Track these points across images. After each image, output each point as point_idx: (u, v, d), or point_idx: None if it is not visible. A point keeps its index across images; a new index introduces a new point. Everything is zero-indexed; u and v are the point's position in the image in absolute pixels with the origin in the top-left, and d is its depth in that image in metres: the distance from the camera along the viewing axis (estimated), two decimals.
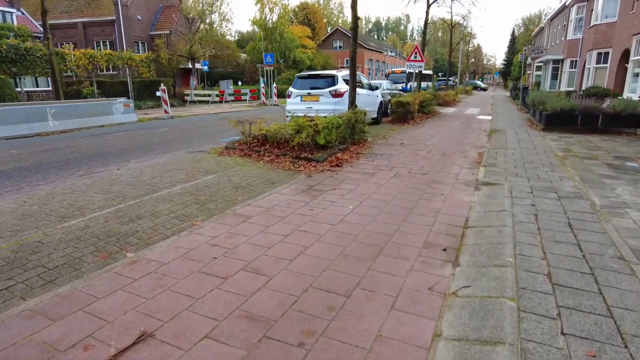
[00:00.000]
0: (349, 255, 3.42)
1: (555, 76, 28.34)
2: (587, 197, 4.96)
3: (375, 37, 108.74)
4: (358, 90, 11.03)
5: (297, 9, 57.68)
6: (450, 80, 44.54)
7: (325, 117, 7.77)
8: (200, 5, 37.07)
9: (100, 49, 29.97)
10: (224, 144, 8.41)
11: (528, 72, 43.52)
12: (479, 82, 66.95)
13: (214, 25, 52.56)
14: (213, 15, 55.71)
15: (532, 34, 49.01)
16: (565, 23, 26.13)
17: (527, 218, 4.19)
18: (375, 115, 12.73)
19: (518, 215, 4.27)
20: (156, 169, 6.53)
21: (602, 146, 8.78)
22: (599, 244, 3.52)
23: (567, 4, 25.10)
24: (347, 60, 60.43)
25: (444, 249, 3.57)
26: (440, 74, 64.99)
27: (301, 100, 10.21)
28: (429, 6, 17.21)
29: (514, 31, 78.09)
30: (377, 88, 12.62)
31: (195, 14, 33.44)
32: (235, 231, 3.97)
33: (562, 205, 4.61)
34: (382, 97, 15.17)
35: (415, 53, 16.30)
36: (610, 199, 4.86)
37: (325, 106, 9.90)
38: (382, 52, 68.89)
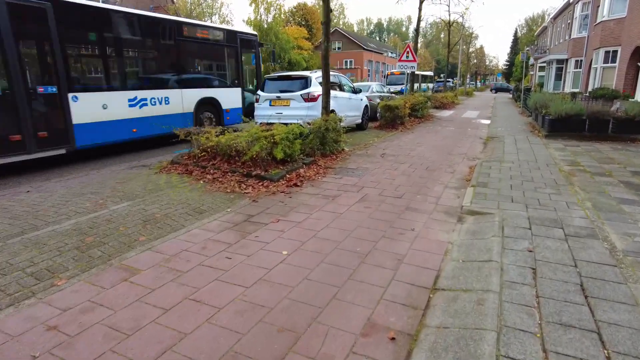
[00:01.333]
0: (241, 354, 2.21)
1: (559, 77, 27.01)
2: (603, 235, 3.73)
3: (377, 38, 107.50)
4: (338, 93, 9.86)
5: (294, 10, 56.59)
6: (449, 81, 43.33)
7: (286, 125, 6.58)
8: (191, 5, 36.13)
9: None
10: (175, 157, 7.22)
11: (531, 72, 42.19)
12: (506, 84, 58.99)
13: None
14: (213, 17, 54.93)
15: (535, 34, 47.69)
16: (569, 21, 24.82)
17: (522, 276, 2.96)
18: (360, 120, 11.52)
19: (509, 271, 3.04)
20: (70, 192, 5.34)
21: (615, 158, 7.52)
22: (630, 331, 2.29)
23: (571, 1, 23.82)
24: (346, 62, 59.42)
25: (392, 338, 2.35)
26: (442, 75, 63.70)
27: (270, 105, 9.02)
28: (421, 2, 16.01)
29: (516, 32, 76.71)
30: (360, 91, 11.40)
31: (183, 14, 32.38)
32: (100, 299, 2.76)
33: (570, 251, 3.38)
34: (372, 100, 14.00)
35: (408, 52, 15.09)
36: (635, 240, 3.62)
37: (296, 112, 8.70)
38: (382, 54, 67.73)
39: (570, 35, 24.01)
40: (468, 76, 64.80)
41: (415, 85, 39.84)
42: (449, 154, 8.32)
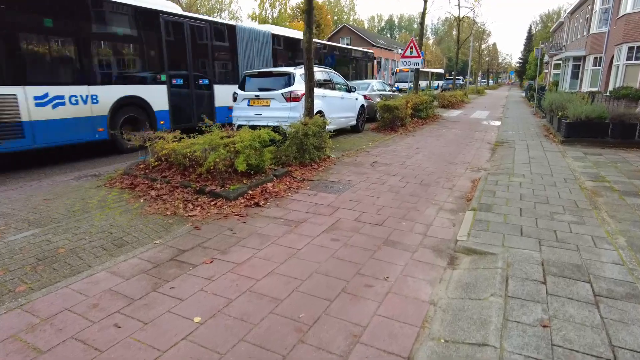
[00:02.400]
0: None
1: (575, 75, 25.51)
2: None
3: (388, 35, 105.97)
4: (327, 92, 8.83)
5: (302, 5, 55.47)
6: (459, 79, 41.88)
7: (256, 128, 5.58)
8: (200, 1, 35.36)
9: None
10: (128, 166, 6.28)
11: (545, 70, 40.54)
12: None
13: None
14: (223, 14, 54.17)
15: (550, 30, 45.88)
16: (588, 16, 23.34)
17: None
18: (354, 122, 10.47)
19: None
20: None
21: None
22: None
23: None
24: None
25: None
26: (452, 73, 62.15)
27: (248, 105, 8.02)
28: None
29: (530, 28, 74.43)
30: (354, 89, 10.33)
31: (193, 10, 31.77)
32: None
33: (604, 328, 2.33)
34: (371, 99, 12.94)
35: (411, 48, 13.95)
36: None
37: (277, 113, 7.69)
38: (391, 50, 66.21)
39: (588, 30, 22.55)
40: (480, 74, 63.08)
41: (425, 83, 38.43)
42: (450, 163, 7.24)
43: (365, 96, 12.60)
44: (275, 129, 6.52)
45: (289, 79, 7.85)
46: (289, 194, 5.20)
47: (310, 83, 6.98)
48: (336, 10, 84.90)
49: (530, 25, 75.65)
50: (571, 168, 6.58)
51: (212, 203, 4.65)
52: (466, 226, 4.01)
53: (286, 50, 13.02)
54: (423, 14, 15.55)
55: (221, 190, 4.84)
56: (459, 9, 22.97)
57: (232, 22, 10.66)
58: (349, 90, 10.04)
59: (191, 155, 5.21)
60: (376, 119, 12.75)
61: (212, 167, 5.00)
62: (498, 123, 13.97)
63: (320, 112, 8.22)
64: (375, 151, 8.26)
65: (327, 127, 8.51)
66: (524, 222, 4.09)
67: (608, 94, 15.60)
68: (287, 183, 5.58)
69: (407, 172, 6.47)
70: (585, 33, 23.72)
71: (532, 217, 4.24)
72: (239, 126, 8.01)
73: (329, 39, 56.68)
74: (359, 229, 4.02)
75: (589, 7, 22.83)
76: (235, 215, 4.38)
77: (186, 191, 4.94)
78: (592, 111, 8.82)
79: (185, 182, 5.11)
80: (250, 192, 5.01)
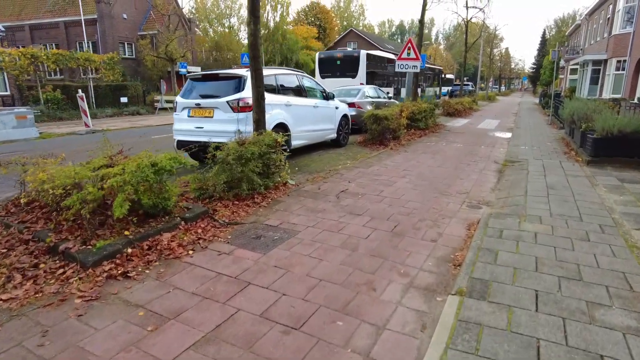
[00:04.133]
0: None
1: (595, 80, 23.45)
2: None
3: (399, 40, 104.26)
4: (292, 99, 7.21)
5: (307, 9, 54.11)
6: (468, 84, 39.89)
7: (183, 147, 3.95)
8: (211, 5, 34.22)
9: (82, 50, 27.71)
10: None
11: (561, 76, 38.29)
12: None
13: (234, 28, 50.09)
14: (232, 19, 53.23)
15: (566, 33, 43.61)
16: (609, 16, 21.36)
17: None
18: (334, 135, 8.79)
19: None
20: None
21: None
22: None
23: None
24: None
25: None
26: (465, 79, 60.13)
27: (188, 116, 6.40)
28: None
29: (544, 32, 71.79)
30: (333, 97, 8.63)
31: (202, 15, 30.68)
32: None
33: None
34: (361, 107, 11.27)
35: (409, 49, 12.27)
36: None
37: (222, 126, 6.05)
38: None
39: (610, 32, 20.58)
40: (491, 79, 60.88)
41: (433, 90, 36.59)
42: (443, 193, 5.53)
43: (353, 104, 10.97)
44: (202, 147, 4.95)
45: (239, 83, 6.19)
46: (192, 250, 3.55)
47: (259, 89, 5.35)
48: (345, 15, 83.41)
49: (544, 30, 72.90)
50: (606, 205, 4.81)
51: (59, 272, 3.03)
52: (441, 340, 2.31)
53: (431, 74, 25.77)
54: (423, 11, 13.83)
55: (79, 249, 3.22)
56: (467, 9, 21.17)
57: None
58: (327, 97, 8.37)
59: (53, 192, 3.60)
60: (365, 130, 11.08)
61: (76, 213, 3.39)
62: (508, 135, 12.16)
63: (282, 125, 6.59)
64: (350, 174, 6.58)
65: (293, 143, 6.91)
66: (543, 327, 2.38)
67: (636, 101, 13.67)
68: (200, 230, 3.93)
69: (380, 208, 4.78)
70: (606, 35, 21.73)
71: (557, 314, 2.52)
72: (179, 142, 6.46)
73: (336, 44, 55.20)
74: (258, 338, 2.36)
75: (611, 6, 20.88)
76: (80, 297, 2.76)
77: (34, 249, 3.33)
78: (628, 124, 7.01)
79: (42, 233, 3.50)
80: (130, 250, 3.38)
